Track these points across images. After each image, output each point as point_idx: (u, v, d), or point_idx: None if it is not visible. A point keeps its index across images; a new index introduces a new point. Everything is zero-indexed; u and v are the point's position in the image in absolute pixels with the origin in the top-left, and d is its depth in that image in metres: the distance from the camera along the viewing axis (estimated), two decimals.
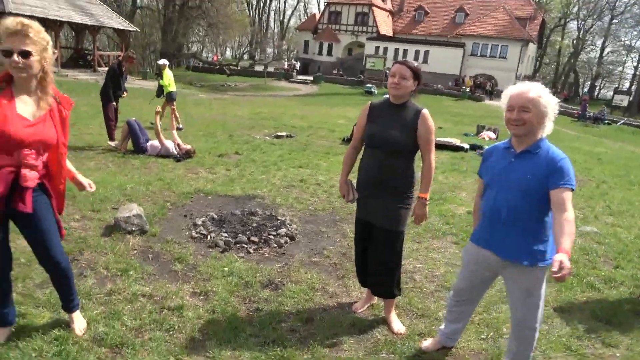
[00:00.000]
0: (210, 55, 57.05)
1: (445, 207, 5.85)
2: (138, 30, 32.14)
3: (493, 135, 14.24)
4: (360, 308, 3.24)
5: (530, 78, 40.17)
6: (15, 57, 2.09)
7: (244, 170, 6.94)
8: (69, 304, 2.67)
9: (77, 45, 27.87)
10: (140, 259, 3.70)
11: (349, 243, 4.46)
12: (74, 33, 28.45)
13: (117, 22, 26.96)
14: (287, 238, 4.38)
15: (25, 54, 2.11)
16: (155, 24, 42.71)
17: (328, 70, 43.13)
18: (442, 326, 2.86)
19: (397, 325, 3.05)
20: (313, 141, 10.41)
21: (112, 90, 7.71)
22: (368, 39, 43.83)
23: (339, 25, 46.52)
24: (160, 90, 10.53)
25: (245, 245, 4.13)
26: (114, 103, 7.78)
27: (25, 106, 2.21)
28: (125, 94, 8.18)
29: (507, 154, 2.40)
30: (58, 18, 21.96)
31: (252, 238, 4.27)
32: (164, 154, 7.21)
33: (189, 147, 7.38)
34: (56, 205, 2.45)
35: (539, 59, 55.12)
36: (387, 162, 2.76)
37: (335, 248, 4.35)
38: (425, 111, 2.83)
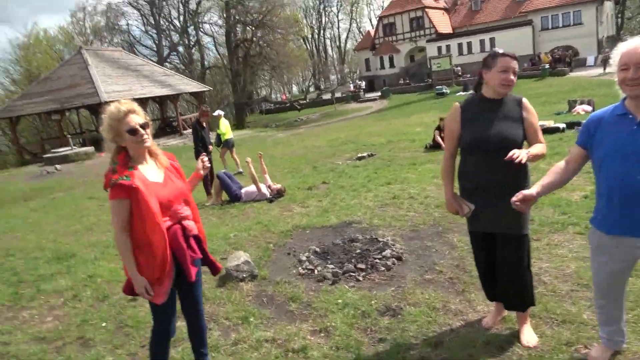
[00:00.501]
0: (278, 95, 59.42)
1: (556, 196, 5.35)
2: (211, 88, 34.45)
3: (589, 108, 13.03)
4: (491, 323, 2.98)
5: (617, 38, 36.60)
6: (141, 130, 2.33)
7: (335, 198, 6.94)
8: (201, 357, 2.77)
9: (162, 115, 30.47)
10: (257, 304, 3.77)
11: (460, 253, 4.21)
12: (157, 105, 31.20)
13: (192, 86, 29.16)
14: (394, 259, 4.24)
15: (145, 126, 2.36)
16: (224, 79, 45.51)
17: (394, 82, 42.77)
18: (600, 331, 2.53)
19: (527, 337, 2.74)
20: (396, 155, 10.23)
21: (200, 147, 8.21)
22: (428, 41, 42.98)
23: (395, 35, 46.23)
24: (218, 139, 11.34)
25: (354, 274, 4.07)
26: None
27: (152, 173, 2.42)
28: (211, 147, 8.69)
29: (624, 122, 2.10)
30: (143, 95, 24.27)
31: (359, 265, 4.19)
32: (258, 198, 7.47)
33: (279, 186, 7.58)
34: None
35: (619, 15, 50.13)
36: (504, 162, 2.44)
37: (446, 261, 4.12)
38: (524, 99, 2.63)
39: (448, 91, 30.63)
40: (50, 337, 3.70)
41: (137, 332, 3.52)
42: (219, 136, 11.35)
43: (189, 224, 2.49)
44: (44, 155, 20.08)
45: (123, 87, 23.41)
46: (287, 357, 2.94)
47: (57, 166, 17.26)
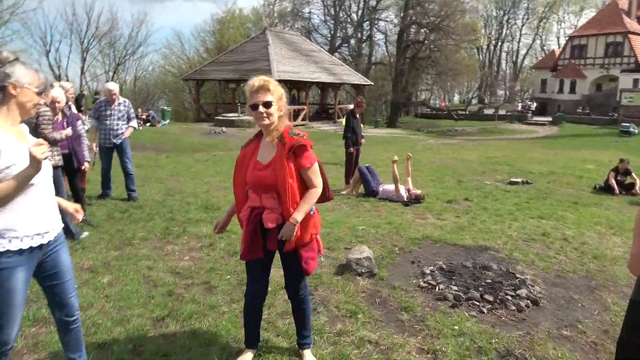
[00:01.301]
0: (438, 101, 57.87)
1: None
2: (372, 83, 34.97)
3: None
4: None
5: None
6: (260, 108, 2.39)
7: (475, 218, 6.46)
8: (301, 340, 2.79)
9: (321, 101, 31.95)
10: (368, 303, 3.68)
11: (612, 318, 3.57)
12: (319, 91, 32.78)
13: (355, 78, 29.94)
14: (529, 301, 3.76)
15: (268, 104, 2.40)
16: (387, 76, 45.80)
17: (570, 110, 38.42)
18: None
19: None
20: (555, 189, 9.14)
21: (349, 136, 8.32)
22: (623, 71, 37.56)
23: (584, 59, 41.34)
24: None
25: (478, 303, 3.71)
26: (352, 149, 8.34)
27: (263, 152, 2.51)
28: (363, 140, 8.77)
29: None
30: (309, 80, 25.68)
31: (486, 296, 3.81)
32: (394, 199, 7.33)
33: (418, 192, 7.34)
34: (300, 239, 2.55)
35: None
36: None
37: (592, 322, 3.52)
38: None
39: (637, 131, 26.45)
40: (183, 274, 4.11)
41: None
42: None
43: (267, 216, 2.47)
44: (216, 117, 22.63)
45: (293, 69, 25.05)
46: None
47: (224, 128, 19.28)
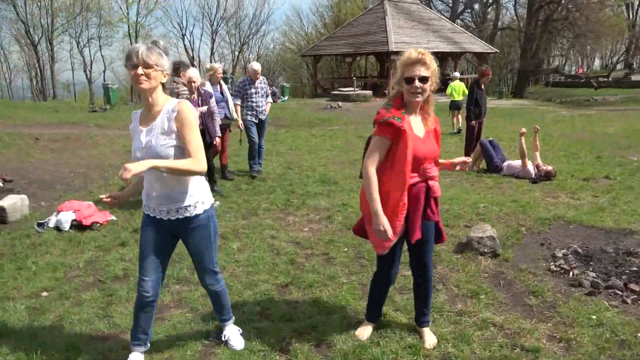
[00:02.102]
0: (574, 68, 51.73)
1: None
2: (497, 51, 32.41)
3: None
4: None
5: None
6: (417, 82, 2.30)
7: (617, 198, 5.73)
8: (420, 318, 2.76)
9: (441, 71, 30.52)
10: (491, 284, 3.49)
11: None
12: (438, 61, 31.32)
13: (479, 46, 28.00)
14: None
15: (424, 80, 2.31)
16: (514, 42, 42.02)
17: None
18: None
19: None
20: None
21: (472, 109, 7.81)
22: None
23: None
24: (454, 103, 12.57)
25: (620, 293, 3.31)
26: (473, 122, 7.85)
27: (416, 126, 2.44)
28: (485, 118, 8.14)
29: None
30: (428, 50, 24.60)
31: (631, 285, 3.38)
32: (521, 175, 6.80)
33: (549, 168, 6.70)
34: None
35: None
36: None
37: None
38: None
39: None
40: (303, 244, 4.30)
41: (371, 267, 3.74)
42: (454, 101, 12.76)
43: (435, 184, 2.48)
44: (332, 92, 22.94)
45: (411, 39, 24.22)
46: (514, 351, 2.64)
47: (340, 103, 19.48)
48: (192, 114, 2.19)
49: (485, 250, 3.93)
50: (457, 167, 2.67)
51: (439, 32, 26.61)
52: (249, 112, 6.79)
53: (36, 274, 3.69)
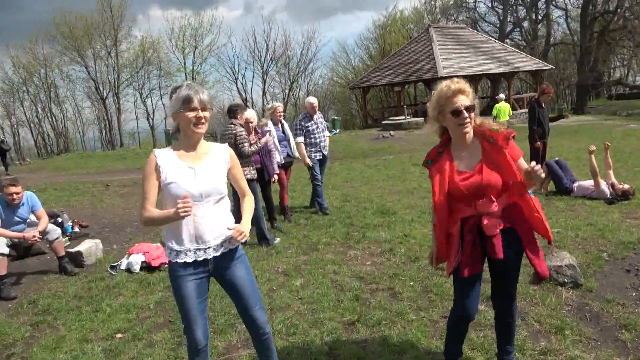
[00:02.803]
0: (637, 78, 48.76)
1: None
2: (552, 67, 31.26)
3: None
4: None
5: None
6: (465, 113, 2.22)
7: None
8: (505, 356, 2.57)
9: (492, 93, 29.77)
10: (576, 317, 3.22)
11: None
12: (489, 82, 30.63)
13: (532, 64, 27.18)
14: None
15: (471, 108, 2.24)
16: (569, 57, 40.43)
17: None
18: None
19: None
20: None
21: (534, 129, 7.38)
22: None
23: None
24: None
25: None
26: (538, 143, 7.41)
27: (463, 161, 2.32)
28: (547, 137, 7.71)
29: None
30: (479, 72, 24.24)
31: None
32: (594, 196, 6.36)
33: (626, 186, 6.22)
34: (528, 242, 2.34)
35: None
36: None
37: None
38: None
39: None
40: (367, 279, 4.20)
41: (441, 302, 3.57)
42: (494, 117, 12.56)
43: (489, 222, 2.24)
44: (382, 122, 22.95)
45: (461, 64, 23.93)
46: None
47: (391, 132, 19.41)
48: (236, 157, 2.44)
49: (566, 280, 3.65)
50: (534, 178, 2.15)
51: (488, 53, 26.13)
52: (313, 149, 6.66)
53: (110, 316, 3.82)
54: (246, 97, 39.72)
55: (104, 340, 3.44)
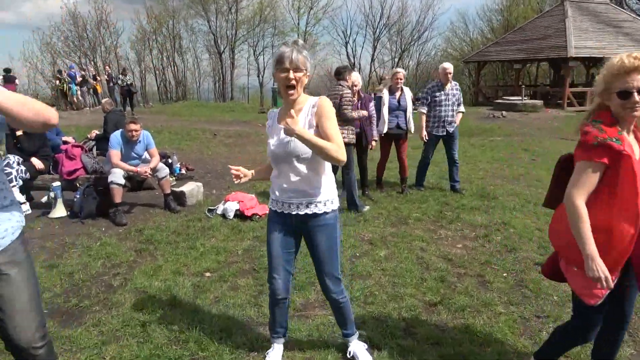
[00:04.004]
0: None
1: None
2: None
3: None
4: None
5: None
6: (636, 96, 1.83)
7: None
8: None
9: None
10: None
11: None
12: None
13: None
14: None
15: None
16: None
17: None
18: None
19: None
20: None
21: None
22: None
23: None
24: None
25: None
26: None
27: (635, 147, 1.94)
28: None
29: None
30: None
31: None
32: None
33: None
34: None
35: None
36: None
37: None
38: None
39: None
40: (455, 262, 3.98)
41: (535, 299, 3.27)
42: None
43: None
44: (495, 100, 21.42)
45: (596, 44, 21.29)
46: None
47: (504, 112, 18.07)
48: (331, 109, 2.17)
49: None
50: None
51: (632, 35, 22.89)
52: (436, 124, 6.02)
53: (202, 255, 4.07)
54: (354, 63, 39.37)
55: (194, 276, 3.68)
